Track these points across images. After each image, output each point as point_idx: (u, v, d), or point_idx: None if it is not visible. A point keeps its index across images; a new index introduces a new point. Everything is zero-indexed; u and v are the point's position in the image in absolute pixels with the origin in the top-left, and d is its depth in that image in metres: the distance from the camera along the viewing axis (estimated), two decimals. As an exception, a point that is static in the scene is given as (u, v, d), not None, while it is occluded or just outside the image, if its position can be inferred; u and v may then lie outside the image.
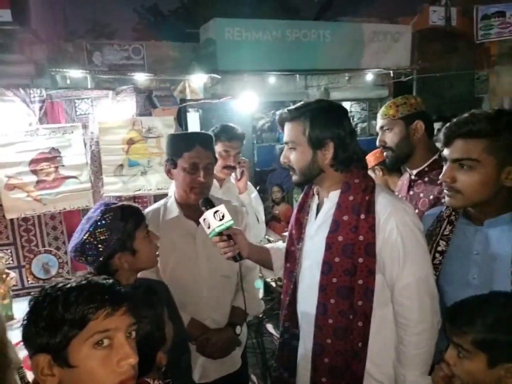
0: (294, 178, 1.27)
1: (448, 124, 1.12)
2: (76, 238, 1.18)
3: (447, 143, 1.11)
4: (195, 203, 1.55)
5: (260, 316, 2.43)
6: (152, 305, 1.00)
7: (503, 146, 1.03)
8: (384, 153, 1.76)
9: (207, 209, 1.28)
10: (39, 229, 2.71)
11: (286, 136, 1.26)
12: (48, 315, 0.75)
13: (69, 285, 0.78)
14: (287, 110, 1.25)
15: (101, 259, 1.15)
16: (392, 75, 6.60)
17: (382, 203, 1.19)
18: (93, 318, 0.75)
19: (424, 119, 1.64)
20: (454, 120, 1.12)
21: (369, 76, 6.68)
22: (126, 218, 1.18)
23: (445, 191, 1.15)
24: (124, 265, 1.18)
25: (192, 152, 1.52)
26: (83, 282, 0.79)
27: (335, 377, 1.23)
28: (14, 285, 2.35)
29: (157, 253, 1.28)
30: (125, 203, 1.29)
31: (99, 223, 1.15)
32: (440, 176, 1.15)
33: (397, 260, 1.16)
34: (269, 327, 2.32)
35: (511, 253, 1.07)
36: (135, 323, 0.81)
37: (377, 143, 1.79)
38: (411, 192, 1.66)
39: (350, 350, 1.20)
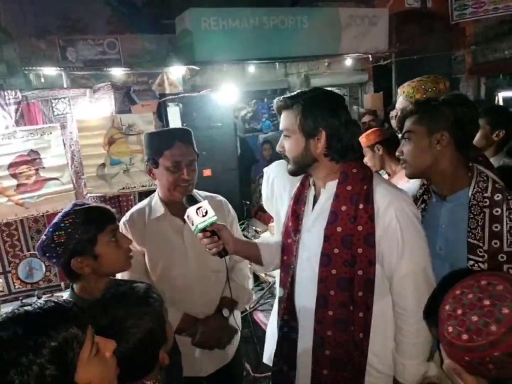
0: (289, 167, 1.26)
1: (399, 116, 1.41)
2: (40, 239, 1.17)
3: (402, 125, 1.36)
4: (181, 200, 1.54)
5: (252, 306, 2.46)
6: (150, 303, 0.99)
7: (428, 118, 1.26)
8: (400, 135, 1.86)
9: (190, 206, 1.27)
10: (22, 234, 2.67)
11: (281, 124, 1.24)
12: None
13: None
14: (282, 98, 1.22)
15: (61, 261, 1.13)
16: (371, 59, 6.62)
17: (381, 193, 1.17)
18: None
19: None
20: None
21: (348, 61, 6.69)
22: (87, 221, 1.14)
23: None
24: (85, 269, 1.15)
25: (173, 149, 1.49)
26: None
27: (336, 369, 1.22)
28: (0, 291, 2.32)
29: (129, 255, 1.24)
30: (92, 204, 1.24)
31: (58, 225, 1.13)
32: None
33: (396, 250, 1.15)
34: (260, 316, 2.35)
35: (466, 225, 1.19)
36: None
37: (396, 122, 1.88)
38: None
39: (351, 341, 1.19)
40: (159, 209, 1.58)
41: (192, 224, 1.26)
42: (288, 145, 1.23)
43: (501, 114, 2.29)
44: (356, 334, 1.19)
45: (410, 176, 1.35)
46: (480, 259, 1.14)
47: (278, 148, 1.27)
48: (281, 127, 1.25)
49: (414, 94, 1.70)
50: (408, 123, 1.31)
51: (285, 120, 1.23)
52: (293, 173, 1.28)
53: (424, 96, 1.69)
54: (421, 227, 1.20)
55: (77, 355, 0.72)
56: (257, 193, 4.55)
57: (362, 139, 2.33)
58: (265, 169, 1.90)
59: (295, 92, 1.23)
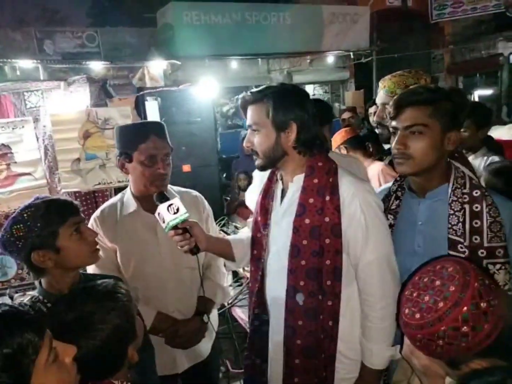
0: (258, 162, 1.25)
1: (396, 98, 1.20)
2: None
3: (397, 114, 1.19)
4: None
5: (230, 302, 2.45)
6: (117, 298, 0.98)
7: (443, 112, 1.14)
8: (379, 130, 1.77)
9: (161, 203, 1.25)
10: (-7, 230, 2.59)
11: (249, 119, 1.23)
12: None
13: None
14: (250, 92, 1.22)
15: (22, 255, 1.10)
16: (352, 56, 6.68)
17: (346, 185, 1.20)
18: None
19: None
20: (401, 93, 1.21)
21: (330, 59, 6.74)
22: (48, 214, 1.10)
23: (396, 159, 1.22)
24: (47, 263, 1.12)
25: (147, 143, 1.45)
26: None
27: (308, 357, 1.25)
28: (-31, 290, 2.25)
29: (95, 248, 1.21)
30: (54, 197, 1.20)
31: (17, 219, 1.10)
32: (392, 146, 1.22)
33: (361, 239, 1.19)
34: (239, 312, 2.34)
35: (447, 221, 1.18)
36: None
37: (375, 117, 1.78)
38: None
39: (321, 329, 1.22)
40: (132, 204, 1.55)
41: (163, 222, 1.24)
42: (258, 139, 1.22)
43: (483, 112, 2.25)
44: (325, 322, 1.22)
45: (409, 174, 1.23)
46: (461, 255, 1.14)
47: (245, 144, 1.26)
48: (249, 122, 1.24)
49: (395, 89, 1.67)
50: (417, 114, 1.15)
51: (254, 114, 1.22)
52: (262, 167, 1.28)
53: None
54: (383, 216, 1.24)
55: (32, 362, 0.67)
56: (236, 188, 4.51)
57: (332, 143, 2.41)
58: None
59: (261, 87, 1.23)
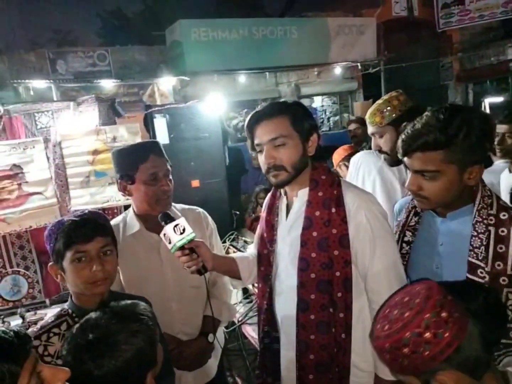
0: (283, 176, 1.20)
1: (404, 137, 1.11)
2: None
3: (405, 155, 1.11)
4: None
5: (240, 319, 2.42)
6: (144, 321, 0.95)
7: (460, 151, 1.03)
8: (382, 156, 1.78)
9: (166, 224, 1.23)
10: (5, 250, 2.62)
11: (271, 133, 1.18)
12: None
13: None
14: (269, 105, 1.22)
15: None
16: (360, 67, 6.68)
17: (350, 196, 1.21)
18: None
19: (412, 115, 1.62)
20: (409, 131, 1.10)
21: (338, 70, 6.75)
22: (59, 233, 1.12)
23: (413, 197, 1.17)
24: (58, 277, 1.17)
25: (148, 162, 1.47)
26: None
27: (322, 372, 1.23)
28: (-19, 310, 2.26)
29: (93, 281, 1.15)
30: (81, 218, 1.16)
31: (51, 227, 1.15)
32: (406, 185, 1.17)
33: (368, 249, 1.18)
34: (249, 329, 2.30)
35: (469, 242, 1.10)
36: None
37: (373, 147, 1.80)
38: None
39: (334, 343, 1.21)
40: (135, 225, 1.55)
41: (170, 242, 1.22)
42: (287, 152, 1.19)
43: None
44: (338, 335, 1.20)
45: (426, 209, 1.20)
46: (481, 280, 1.06)
47: (268, 160, 1.19)
48: (272, 135, 1.18)
49: (374, 119, 1.70)
50: (426, 159, 1.05)
51: (279, 126, 1.18)
52: (287, 182, 1.23)
53: (383, 118, 1.68)
54: (388, 225, 1.24)
55: None
56: (254, 203, 4.35)
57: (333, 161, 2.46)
58: (352, 158, 2.04)
59: (272, 102, 1.25)
